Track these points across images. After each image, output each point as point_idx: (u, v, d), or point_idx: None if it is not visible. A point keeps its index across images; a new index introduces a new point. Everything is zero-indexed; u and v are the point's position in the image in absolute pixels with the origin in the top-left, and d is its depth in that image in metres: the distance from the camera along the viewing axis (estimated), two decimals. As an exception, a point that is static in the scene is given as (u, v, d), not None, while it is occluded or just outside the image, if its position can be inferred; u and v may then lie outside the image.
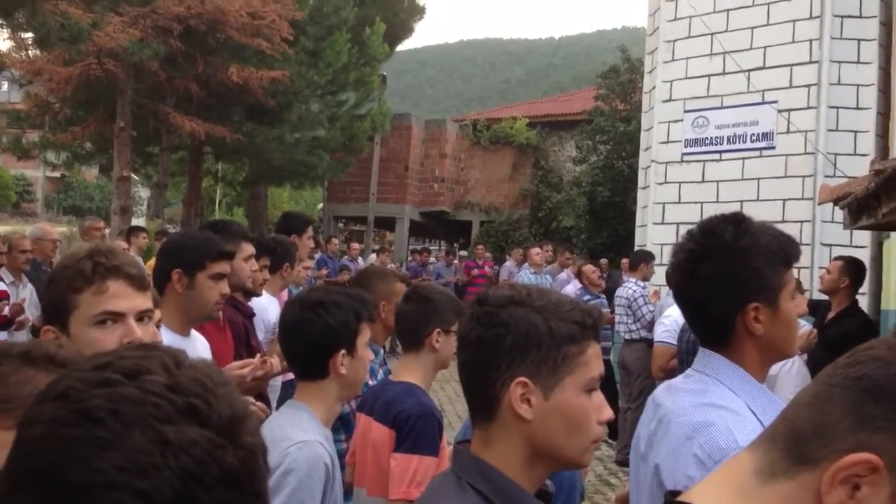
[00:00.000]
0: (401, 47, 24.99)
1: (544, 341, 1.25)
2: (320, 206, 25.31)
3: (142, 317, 1.76)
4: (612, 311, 7.79)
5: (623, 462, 6.97)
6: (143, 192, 32.68)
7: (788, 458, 0.81)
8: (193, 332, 2.76)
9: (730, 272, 1.61)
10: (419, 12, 23.65)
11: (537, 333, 1.25)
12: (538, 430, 1.25)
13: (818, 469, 0.78)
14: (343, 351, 2.06)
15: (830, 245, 8.10)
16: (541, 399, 1.24)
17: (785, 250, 1.66)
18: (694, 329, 1.77)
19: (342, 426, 2.89)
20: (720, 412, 1.52)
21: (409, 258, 16.28)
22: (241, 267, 3.38)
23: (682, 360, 3.74)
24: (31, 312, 5.65)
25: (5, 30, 13.81)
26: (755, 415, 1.52)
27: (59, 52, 12.46)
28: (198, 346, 2.76)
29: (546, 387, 1.24)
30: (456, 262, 15.13)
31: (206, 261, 2.63)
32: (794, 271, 1.71)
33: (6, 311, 5.21)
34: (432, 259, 16.37)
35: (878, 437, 0.76)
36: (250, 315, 3.73)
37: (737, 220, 1.69)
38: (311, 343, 2.07)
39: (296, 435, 1.92)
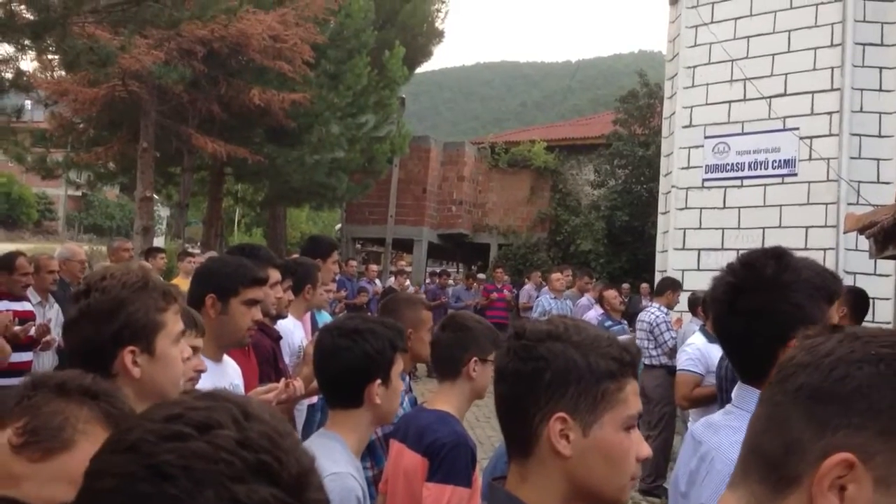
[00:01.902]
0: (419, 70, 25.18)
1: (583, 377, 1.24)
2: (338, 227, 25.40)
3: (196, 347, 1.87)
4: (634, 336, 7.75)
5: (647, 492, 6.89)
6: (163, 212, 32.94)
7: (769, 485, 0.82)
8: (225, 357, 2.78)
9: (771, 307, 1.60)
10: (438, 36, 23.88)
11: (577, 369, 1.24)
12: (577, 467, 1.24)
13: (802, 486, 0.79)
14: (379, 380, 2.06)
15: (854, 273, 8.03)
16: (580, 436, 1.23)
17: (827, 286, 1.65)
18: (733, 363, 1.76)
19: (368, 453, 2.88)
20: None
21: (428, 280, 16.28)
22: (267, 293, 3.40)
23: (721, 387, 3.69)
24: (57, 333, 5.69)
25: (32, 51, 14.03)
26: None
27: (85, 73, 12.64)
28: (229, 372, 2.78)
29: (585, 423, 1.23)
30: (475, 285, 15.11)
31: (240, 287, 2.65)
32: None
33: (32, 331, 5.25)
34: (450, 282, 16.36)
35: (840, 436, 0.78)
36: (277, 338, 3.75)
37: (778, 255, 1.68)
38: (348, 371, 2.06)
39: (328, 466, 1.91)
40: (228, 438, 0.65)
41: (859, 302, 4.51)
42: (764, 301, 1.60)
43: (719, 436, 1.64)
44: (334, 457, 1.97)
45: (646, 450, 1.30)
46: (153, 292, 1.74)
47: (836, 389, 0.79)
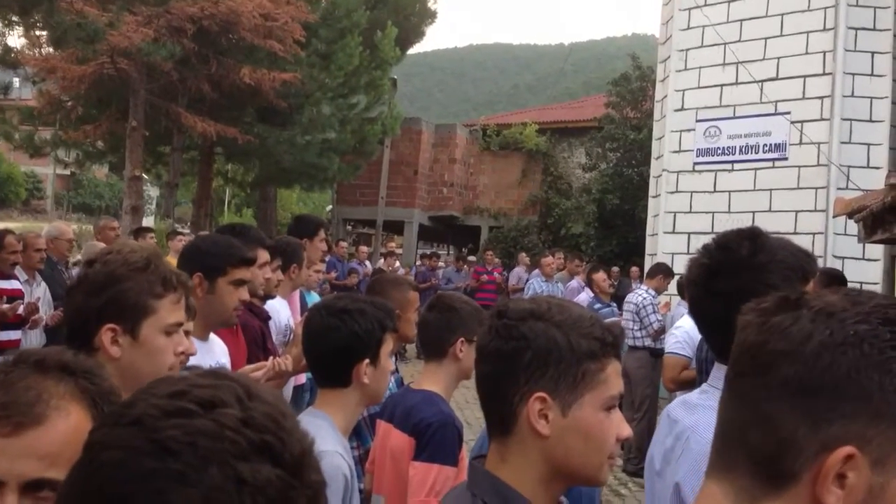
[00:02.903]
0: (411, 51, 25.03)
1: (564, 357, 1.23)
2: (329, 208, 25.36)
3: (187, 331, 1.82)
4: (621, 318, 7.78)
5: (633, 473, 6.95)
6: (153, 192, 32.78)
7: (762, 481, 0.80)
8: (212, 335, 2.77)
9: (745, 289, 1.60)
10: (430, 16, 23.69)
11: (557, 348, 1.23)
12: (555, 446, 1.24)
13: (800, 481, 0.78)
14: (367, 360, 2.06)
15: (843, 258, 8.08)
16: (559, 415, 1.23)
17: (802, 266, 1.64)
18: (710, 345, 1.76)
19: (353, 433, 2.89)
20: None
21: (419, 262, 16.28)
22: (255, 274, 3.38)
23: (702, 370, 3.71)
24: (45, 311, 5.67)
25: (20, 27, 13.88)
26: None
27: (73, 51, 12.52)
28: (216, 350, 2.77)
29: (564, 403, 1.23)
30: (466, 267, 15.13)
31: (228, 266, 2.63)
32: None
33: (21, 309, 5.23)
34: (441, 264, 16.36)
35: (835, 428, 0.77)
36: (266, 318, 3.74)
37: (753, 236, 1.68)
38: (336, 350, 2.06)
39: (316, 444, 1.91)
40: (233, 417, 0.65)
41: (833, 283, 4.41)
42: (738, 282, 1.59)
43: (696, 415, 1.64)
44: (322, 435, 1.96)
45: (626, 430, 1.30)
46: (151, 276, 1.70)
47: (824, 380, 0.77)
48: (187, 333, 1.84)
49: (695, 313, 1.75)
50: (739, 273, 1.61)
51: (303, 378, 4.17)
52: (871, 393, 0.76)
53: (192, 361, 2.02)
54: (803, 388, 0.78)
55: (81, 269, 1.74)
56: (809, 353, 0.79)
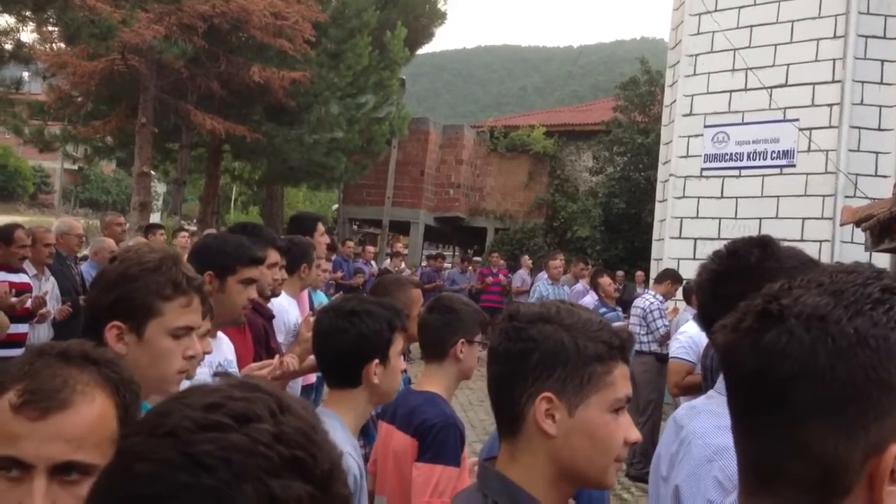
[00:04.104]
0: (420, 51, 25.07)
1: (571, 359, 1.26)
2: (335, 207, 25.39)
3: (203, 334, 1.86)
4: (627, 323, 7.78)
5: (637, 477, 6.95)
6: (160, 188, 32.87)
7: (810, 500, 0.77)
8: (219, 333, 2.79)
9: (751, 295, 1.61)
10: (440, 17, 23.73)
11: (564, 350, 1.26)
12: (562, 447, 1.26)
13: (853, 492, 0.76)
14: (376, 360, 2.08)
15: (849, 266, 8.06)
16: (565, 416, 1.26)
17: None
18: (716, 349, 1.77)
19: (360, 432, 2.91)
20: None
21: (424, 263, 16.27)
22: (263, 273, 3.40)
23: (706, 377, 3.71)
24: (53, 305, 5.71)
25: (32, 23, 13.94)
26: (774, 439, 1.52)
27: (84, 46, 12.57)
28: (223, 347, 2.79)
29: (571, 404, 1.26)
30: (471, 269, 15.14)
31: (238, 265, 2.66)
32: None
33: (28, 303, 5.26)
34: (446, 265, 16.37)
35: (872, 432, 0.74)
36: (270, 317, 3.76)
37: (763, 244, 1.69)
38: (345, 351, 2.08)
39: None
40: (266, 432, 0.65)
41: None
42: (744, 288, 1.58)
43: (699, 420, 1.66)
44: (333, 435, 1.98)
45: (634, 433, 1.32)
46: (161, 277, 1.72)
47: (847, 391, 0.75)
48: (205, 334, 1.86)
49: (702, 318, 1.77)
50: (746, 279, 1.61)
51: (312, 377, 4.18)
52: (891, 386, 0.74)
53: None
54: (829, 406, 0.75)
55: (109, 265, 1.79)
56: (822, 369, 0.75)
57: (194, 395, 0.69)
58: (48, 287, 5.76)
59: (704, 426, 1.61)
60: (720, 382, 1.71)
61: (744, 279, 1.62)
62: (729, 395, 0.85)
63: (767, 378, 0.78)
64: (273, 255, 3.43)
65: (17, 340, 5.10)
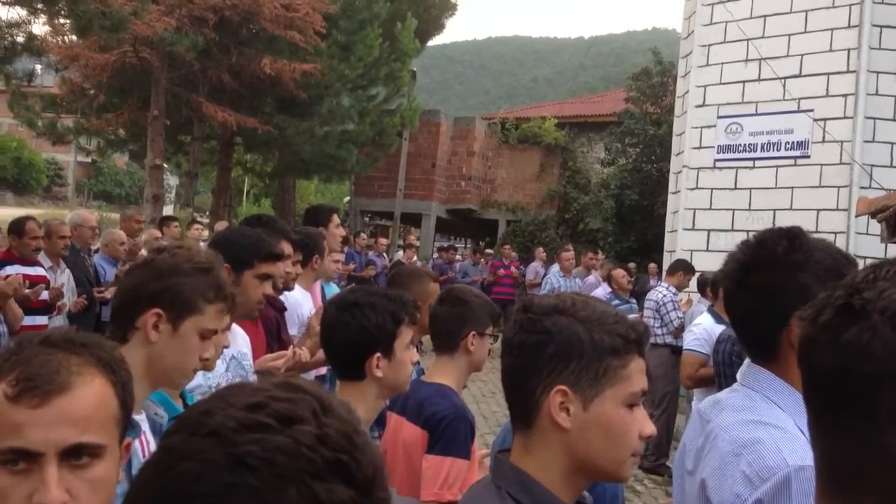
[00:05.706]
0: (430, 43, 25.03)
1: (586, 351, 1.25)
2: (347, 199, 25.41)
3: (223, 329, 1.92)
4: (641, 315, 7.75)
5: (650, 469, 6.93)
6: (173, 181, 32.98)
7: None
8: (234, 326, 2.79)
9: (777, 286, 1.59)
10: (450, 8, 23.69)
11: (579, 343, 1.25)
12: (577, 440, 1.25)
13: None
14: (378, 354, 2.05)
15: (865, 257, 7.99)
16: (580, 409, 1.24)
17: (838, 268, 1.61)
18: (742, 342, 1.75)
19: (375, 422, 2.91)
20: (768, 429, 1.49)
21: (436, 255, 16.26)
22: (277, 266, 3.40)
23: (719, 371, 3.70)
24: (68, 297, 5.73)
25: (44, 15, 13.98)
26: (802, 432, 1.50)
27: (96, 39, 12.62)
28: (237, 340, 2.80)
29: (586, 397, 1.25)
30: (483, 261, 15.12)
31: (256, 260, 2.67)
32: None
33: (45, 294, 5.29)
34: (458, 257, 16.38)
35: None
36: (282, 309, 3.76)
37: (792, 235, 1.66)
38: (347, 345, 2.07)
39: None
40: (309, 434, 0.65)
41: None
42: (771, 279, 1.59)
43: (724, 414, 1.64)
44: None
45: (650, 427, 1.31)
46: (209, 280, 1.81)
47: None
48: (224, 329, 1.92)
49: (728, 308, 1.75)
50: (772, 269, 1.60)
51: (323, 369, 4.19)
52: None
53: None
54: (881, 408, 0.70)
55: (151, 255, 1.88)
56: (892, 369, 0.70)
57: (237, 394, 0.69)
58: (64, 279, 5.78)
59: (731, 420, 1.59)
60: (744, 375, 1.69)
61: (769, 269, 1.61)
62: (805, 391, 0.81)
63: (847, 378, 0.73)
64: (286, 248, 3.43)
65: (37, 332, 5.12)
